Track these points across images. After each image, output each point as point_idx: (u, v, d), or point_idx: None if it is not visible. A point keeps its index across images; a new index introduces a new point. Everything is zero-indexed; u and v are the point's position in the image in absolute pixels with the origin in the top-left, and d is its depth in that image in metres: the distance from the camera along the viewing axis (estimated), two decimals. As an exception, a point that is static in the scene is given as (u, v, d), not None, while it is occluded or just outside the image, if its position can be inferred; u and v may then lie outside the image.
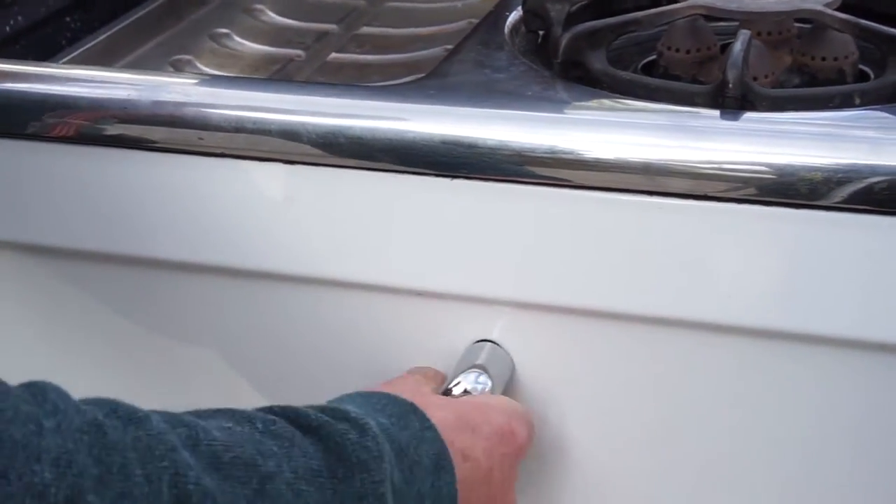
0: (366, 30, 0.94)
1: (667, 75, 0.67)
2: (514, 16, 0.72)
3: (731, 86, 0.59)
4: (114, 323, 0.68)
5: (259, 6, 0.98)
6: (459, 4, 0.97)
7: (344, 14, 0.97)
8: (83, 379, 0.69)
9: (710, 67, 0.67)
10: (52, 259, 0.68)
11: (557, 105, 0.61)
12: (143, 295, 0.67)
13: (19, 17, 0.80)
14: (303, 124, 0.60)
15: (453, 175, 0.59)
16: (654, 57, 0.69)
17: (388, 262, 0.62)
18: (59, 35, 0.84)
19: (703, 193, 0.56)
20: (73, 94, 0.64)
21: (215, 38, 0.92)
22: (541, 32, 0.71)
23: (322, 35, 0.93)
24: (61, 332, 0.70)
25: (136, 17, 0.88)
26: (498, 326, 0.62)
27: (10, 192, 0.66)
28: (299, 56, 0.90)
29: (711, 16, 0.68)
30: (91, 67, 0.66)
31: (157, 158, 0.62)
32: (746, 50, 0.60)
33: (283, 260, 0.63)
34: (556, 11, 0.70)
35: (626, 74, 0.65)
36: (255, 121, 0.61)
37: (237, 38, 0.93)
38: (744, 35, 0.61)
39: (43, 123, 0.64)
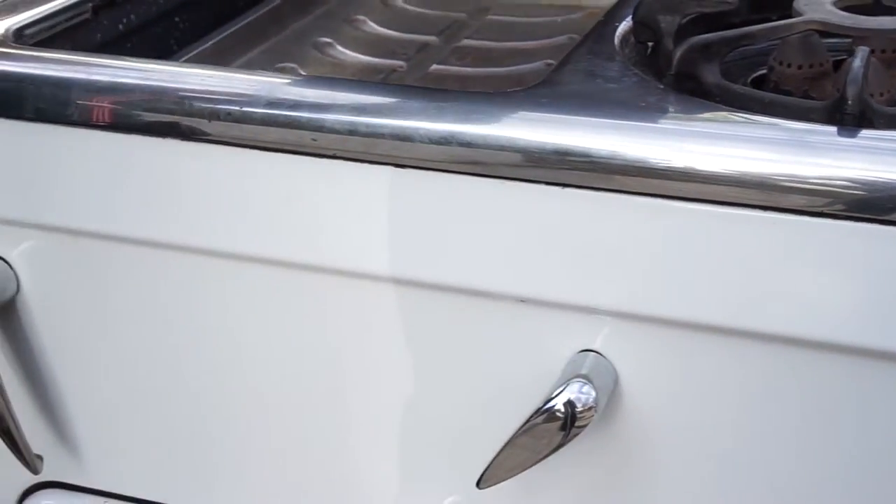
0: (466, 42, 0.95)
1: (777, 90, 0.67)
2: (623, 26, 0.72)
3: (849, 102, 0.58)
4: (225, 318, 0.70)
5: (361, 17, 0.99)
6: (560, 20, 0.97)
7: (445, 26, 0.98)
8: (127, 365, 0.71)
9: (821, 84, 0.67)
10: (160, 252, 0.69)
11: (671, 117, 0.60)
12: (256, 293, 0.68)
13: (132, 16, 0.82)
14: (416, 129, 0.61)
15: (564, 184, 0.59)
16: (764, 71, 0.69)
17: (493, 268, 0.62)
18: (168, 35, 0.86)
19: (819, 210, 0.56)
20: (190, 91, 0.65)
21: (318, 47, 0.94)
22: (650, 44, 0.71)
23: (423, 47, 0.94)
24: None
25: (242, 23, 0.90)
26: (601, 336, 0.62)
27: (129, 187, 0.67)
28: (401, 67, 0.91)
29: (825, 31, 0.68)
30: (207, 66, 0.66)
31: (271, 158, 0.63)
32: (866, 66, 0.60)
33: (385, 262, 0.64)
34: (667, 23, 0.70)
35: (740, 88, 0.64)
36: (368, 124, 0.61)
37: (340, 48, 0.94)
38: (863, 51, 0.61)
39: (157, 121, 0.65)
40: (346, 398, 0.69)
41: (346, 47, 0.94)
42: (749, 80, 0.70)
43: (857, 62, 0.60)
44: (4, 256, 0.72)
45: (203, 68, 0.66)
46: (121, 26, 0.81)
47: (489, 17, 1.00)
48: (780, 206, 0.56)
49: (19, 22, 0.74)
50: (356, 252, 0.64)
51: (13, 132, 0.67)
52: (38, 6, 0.77)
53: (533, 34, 0.95)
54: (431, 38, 0.95)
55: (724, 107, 0.61)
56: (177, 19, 0.86)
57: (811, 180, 0.56)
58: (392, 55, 0.93)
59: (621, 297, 0.61)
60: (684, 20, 0.71)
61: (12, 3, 0.77)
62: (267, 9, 0.94)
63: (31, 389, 0.75)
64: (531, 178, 0.60)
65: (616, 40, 0.70)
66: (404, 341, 0.66)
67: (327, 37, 0.95)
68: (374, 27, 0.98)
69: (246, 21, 0.90)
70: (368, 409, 0.69)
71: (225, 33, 0.87)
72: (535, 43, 0.94)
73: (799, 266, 0.57)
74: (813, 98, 0.66)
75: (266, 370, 0.70)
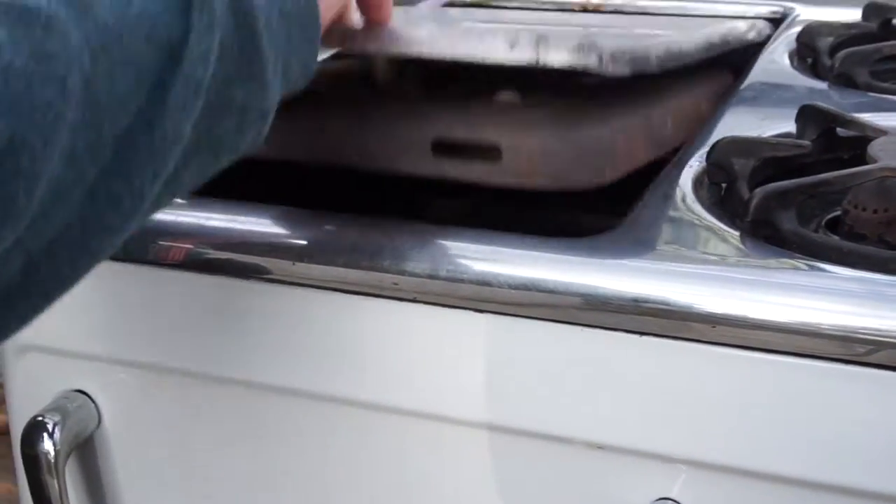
0: None
1: (852, 233, 0.67)
2: (696, 167, 0.73)
3: (929, 255, 0.59)
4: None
5: None
6: None
7: None
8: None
9: (897, 228, 0.67)
10: (240, 390, 0.70)
11: (749, 266, 0.61)
12: (334, 432, 0.69)
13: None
14: (496, 275, 0.61)
15: (642, 332, 0.60)
16: (838, 212, 0.69)
17: (571, 413, 0.62)
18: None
19: (901, 365, 0.56)
20: (274, 233, 0.66)
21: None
22: (723, 185, 0.72)
23: None
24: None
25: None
26: (678, 485, 0.62)
27: (211, 326, 0.68)
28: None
29: (900, 176, 0.68)
30: (290, 209, 0.68)
31: (352, 301, 0.64)
32: (944, 218, 0.60)
33: (462, 406, 0.64)
34: (741, 166, 0.71)
35: (818, 237, 0.65)
36: (448, 269, 0.62)
37: None
38: (940, 202, 0.61)
39: (241, 262, 0.66)
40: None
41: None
42: (823, 220, 0.70)
43: (937, 215, 0.60)
44: (87, 391, 0.73)
45: (287, 211, 0.68)
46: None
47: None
48: (862, 359, 0.56)
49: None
50: (433, 395, 0.65)
51: (98, 270, 0.69)
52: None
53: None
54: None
55: (802, 256, 0.62)
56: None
57: (890, 334, 0.56)
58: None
59: (698, 446, 0.60)
60: (758, 162, 0.71)
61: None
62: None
63: (109, 524, 0.76)
64: (609, 326, 0.60)
65: (690, 182, 0.71)
66: (480, 485, 0.66)
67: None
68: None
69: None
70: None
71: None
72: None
73: (881, 421, 0.57)
74: (888, 242, 0.66)
75: None
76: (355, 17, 0.65)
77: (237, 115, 0.52)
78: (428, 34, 0.65)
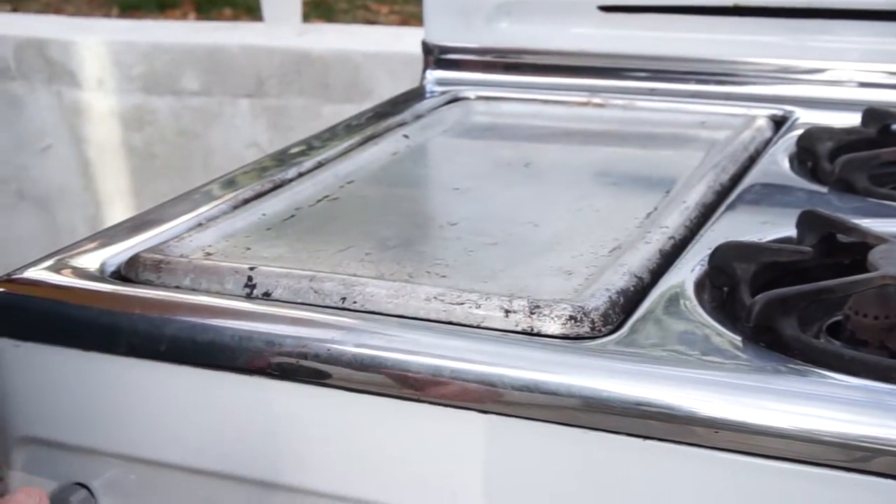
0: None
1: (854, 339, 0.68)
2: (698, 271, 0.73)
3: (930, 366, 0.59)
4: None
5: None
6: None
7: None
8: None
9: (898, 334, 0.67)
10: (237, 486, 0.70)
11: (752, 372, 0.61)
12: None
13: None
14: (500, 376, 0.62)
15: (645, 436, 0.60)
16: (839, 317, 0.70)
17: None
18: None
19: (903, 474, 0.56)
20: (279, 332, 0.67)
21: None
22: (725, 288, 0.72)
23: None
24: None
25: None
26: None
27: (210, 421, 0.69)
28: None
29: (899, 283, 0.69)
30: (296, 307, 0.68)
31: (357, 399, 0.65)
32: (944, 329, 0.61)
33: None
34: (742, 270, 0.72)
35: (820, 344, 0.65)
36: (453, 369, 0.63)
37: None
38: (941, 312, 0.62)
39: (245, 359, 0.67)
40: None
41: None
42: (825, 325, 0.71)
43: (937, 324, 0.61)
44: (87, 484, 0.73)
45: (291, 309, 0.68)
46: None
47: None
48: (861, 467, 0.57)
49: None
50: (436, 495, 0.64)
51: (100, 365, 0.70)
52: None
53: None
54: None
55: (803, 363, 0.62)
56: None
57: (890, 443, 0.56)
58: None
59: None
60: (759, 267, 0.72)
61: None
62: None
63: None
64: (612, 429, 0.61)
65: (692, 285, 0.71)
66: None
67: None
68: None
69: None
70: None
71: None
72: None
73: (883, 529, 0.57)
74: (889, 348, 0.67)
75: None
76: None
77: None
78: None
